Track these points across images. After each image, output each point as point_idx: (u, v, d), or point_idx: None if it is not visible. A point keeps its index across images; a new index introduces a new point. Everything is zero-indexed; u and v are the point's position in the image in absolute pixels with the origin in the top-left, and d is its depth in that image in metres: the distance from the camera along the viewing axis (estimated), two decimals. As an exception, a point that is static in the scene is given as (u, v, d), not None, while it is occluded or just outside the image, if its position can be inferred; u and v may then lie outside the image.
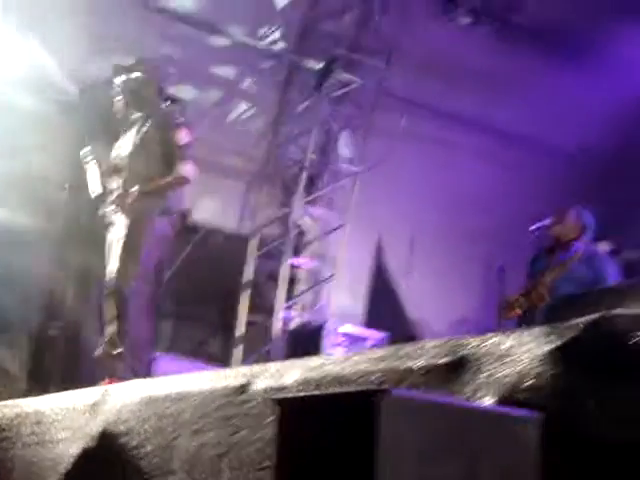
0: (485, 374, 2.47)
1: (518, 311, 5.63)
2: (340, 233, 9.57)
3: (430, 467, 1.71)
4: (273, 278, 9.40)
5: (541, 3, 8.87)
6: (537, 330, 2.44)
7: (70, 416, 4.09)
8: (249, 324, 9.36)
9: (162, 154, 4.95)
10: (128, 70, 5.04)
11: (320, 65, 9.01)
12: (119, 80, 5.05)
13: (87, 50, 7.50)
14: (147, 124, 5.00)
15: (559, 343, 2.32)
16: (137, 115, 5.06)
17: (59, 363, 7.27)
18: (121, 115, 5.12)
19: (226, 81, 8.62)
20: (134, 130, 5.03)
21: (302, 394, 2.27)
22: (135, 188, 4.89)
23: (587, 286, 5.50)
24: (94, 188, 5.14)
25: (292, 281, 9.54)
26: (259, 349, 8.96)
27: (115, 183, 5.03)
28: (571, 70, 8.95)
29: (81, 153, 5.15)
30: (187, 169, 5.00)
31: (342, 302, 9.55)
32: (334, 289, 9.48)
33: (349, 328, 8.16)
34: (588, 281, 5.61)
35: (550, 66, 9.13)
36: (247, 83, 8.76)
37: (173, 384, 3.68)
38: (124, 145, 5.06)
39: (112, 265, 4.91)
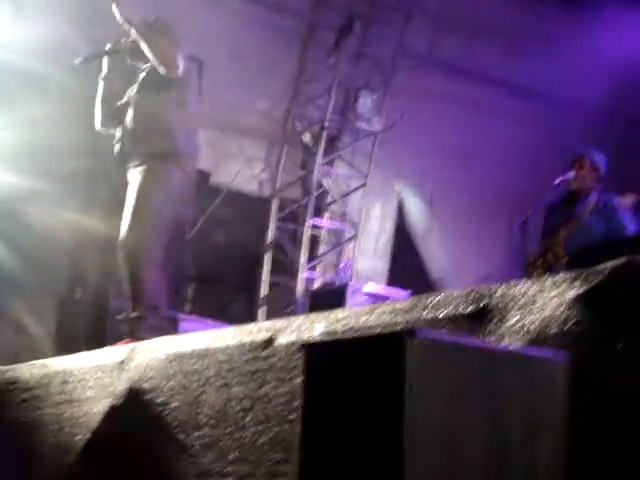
0: (510, 322, 2.45)
1: (539, 272, 5.56)
2: (360, 193, 9.55)
3: (456, 408, 1.71)
4: (295, 240, 9.41)
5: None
6: (561, 276, 2.42)
7: (97, 375, 4.12)
8: (272, 286, 9.40)
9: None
10: (143, 24, 4.98)
11: (339, 24, 8.94)
12: (132, 34, 4.97)
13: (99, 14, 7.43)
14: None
15: (584, 289, 2.31)
16: (145, 66, 5.02)
17: (85, 326, 7.35)
18: (131, 69, 5.08)
19: (245, 40, 8.55)
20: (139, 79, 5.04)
21: (328, 339, 2.27)
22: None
23: (602, 238, 5.42)
24: (98, 121, 5.13)
25: (314, 242, 9.55)
26: (282, 310, 8.99)
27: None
28: (594, 25, 8.83)
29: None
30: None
31: (364, 262, 9.56)
32: (356, 249, 9.49)
33: (372, 287, 8.16)
34: (602, 233, 5.52)
35: (572, 21, 9.02)
36: (266, 42, 8.68)
37: (198, 341, 3.70)
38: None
39: (124, 226, 4.87)
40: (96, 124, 5.18)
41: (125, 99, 5.11)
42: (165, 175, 4.87)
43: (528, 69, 9.15)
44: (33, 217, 7.08)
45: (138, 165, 4.91)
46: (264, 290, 9.27)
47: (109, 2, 4.82)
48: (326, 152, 9.42)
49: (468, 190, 9.42)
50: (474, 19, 9.08)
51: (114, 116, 5.11)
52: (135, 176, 4.90)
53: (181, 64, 4.85)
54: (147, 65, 4.97)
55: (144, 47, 4.83)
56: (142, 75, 5.02)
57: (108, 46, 5.05)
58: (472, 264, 9.26)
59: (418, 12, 9.15)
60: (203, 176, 8.28)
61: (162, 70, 4.82)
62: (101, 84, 5.14)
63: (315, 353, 1.80)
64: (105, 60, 5.08)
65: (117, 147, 5.06)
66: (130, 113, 4.98)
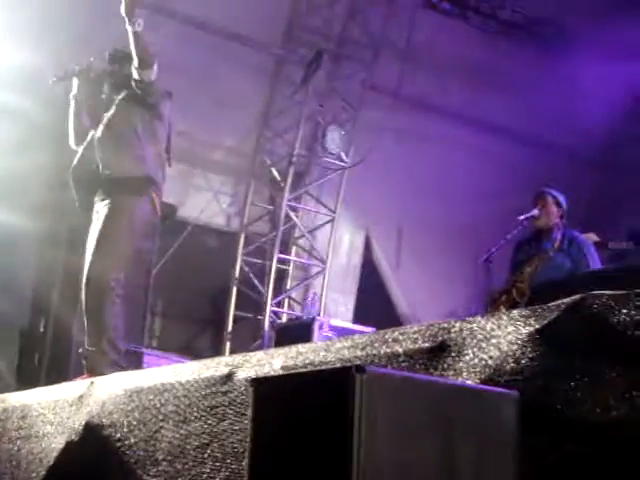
0: (467, 357, 2.45)
1: (502, 309, 5.56)
2: (328, 228, 9.56)
3: (406, 443, 1.70)
4: (262, 274, 9.38)
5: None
6: (517, 313, 2.43)
7: (55, 410, 4.06)
8: (239, 320, 9.35)
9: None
10: (125, 56, 4.95)
11: (307, 59, 8.98)
12: (115, 66, 4.94)
13: (71, 45, 7.43)
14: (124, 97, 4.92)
15: (538, 325, 2.31)
16: (120, 95, 4.95)
17: (47, 360, 7.25)
18: (106, 98, 5.01)
19: (213, 75, 8.56)
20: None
21: (278, 374, 2.25)
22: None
23: (568, 273, 5.47)
24: (71, 139, 5.05)
25: (282, 277, 9.53)
26: (249, 345, 8.94)
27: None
28: (558, 63, 8.95)
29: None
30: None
31: (331, 297, 9.54)
32: (323, 284, 9.47)
33: (338, 322, 8.14)
34: (568, 269, 5.58)
35: (537, 59, 9.15)
36: (234, 77, 8.70)
37: (157, 376, 3.66)
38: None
39: (88, 256, 4.80)
40: (70, 142, 5.06)
41: (93, 120, 5.03)
42: (133, 205, 4.81)
43: (496, 107, 9.24)
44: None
45: (106, 194, 4.84)
46: (230, 325, 9.22)
47: (80, 33, 4.79)
48: (294, 187, 9.43)
49: (435, 226, 9.46)
50: (443, 55, 9.17)
51: (84, 134, 5.04)
52: (102, 207, 4.83)
53: (155, 68, 4.82)
54: (123, 92, 4.92)
55: (131, 38, 4.74)
56: (118, 97, 4.93)
57: (77, 68, 5.02)
58: (439, 300, 9.28)
59: (386, 48, 9.22)
60: (170, 209, 8.24)
61: (136, 66, 4.76)
62: (72, 102, 5.05)
63: (264, 388, 1.78)
64: (75, 81, 5.05)
65: (79, 167, 4.96)
66: (101, 136, 4.91)
